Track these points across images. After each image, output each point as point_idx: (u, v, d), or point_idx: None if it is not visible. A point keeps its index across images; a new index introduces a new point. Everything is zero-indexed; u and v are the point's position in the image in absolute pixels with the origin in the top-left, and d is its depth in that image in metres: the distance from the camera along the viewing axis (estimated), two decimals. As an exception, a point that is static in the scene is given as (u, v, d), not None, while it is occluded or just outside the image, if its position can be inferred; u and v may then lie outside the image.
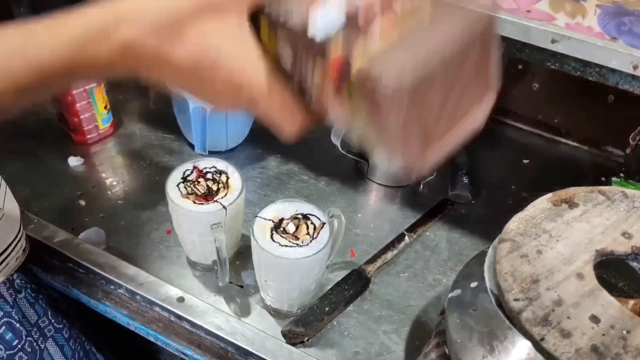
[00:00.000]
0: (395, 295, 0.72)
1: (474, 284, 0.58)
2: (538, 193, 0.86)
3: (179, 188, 0.65)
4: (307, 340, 0.66)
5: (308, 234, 0.62)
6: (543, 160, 0.94)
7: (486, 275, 0.53)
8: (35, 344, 0.66)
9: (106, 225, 0.77)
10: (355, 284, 0.70)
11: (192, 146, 0.87)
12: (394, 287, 0.73)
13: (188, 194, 0.65)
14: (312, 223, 0.63)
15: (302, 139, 0.95)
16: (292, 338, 0.65)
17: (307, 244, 0.61)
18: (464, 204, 0.84)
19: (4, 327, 0.63)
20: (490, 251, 0.55)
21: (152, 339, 0.70)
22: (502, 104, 0.98)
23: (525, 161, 0.93)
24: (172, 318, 0.66)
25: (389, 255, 0.75)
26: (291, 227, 0.63)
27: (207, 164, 0.68)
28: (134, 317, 0.70)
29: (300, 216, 0.64)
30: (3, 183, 0.61)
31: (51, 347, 0.69)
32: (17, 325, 0.64)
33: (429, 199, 0.85)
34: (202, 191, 0.65)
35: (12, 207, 0.62)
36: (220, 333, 0.63)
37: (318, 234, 0.62)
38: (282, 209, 0.64)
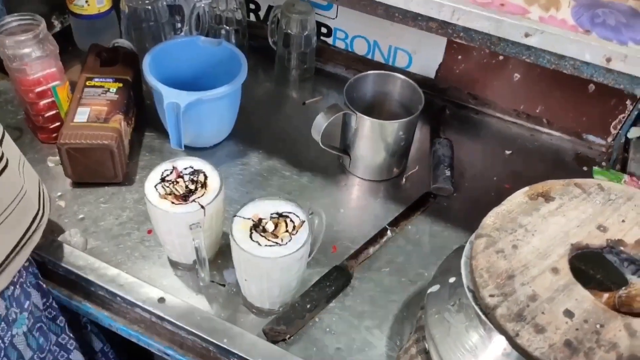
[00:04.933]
0: (378, 291, 0.72)
1: (452, 279, 0.58)
2: (520, 184, 0.86)
3: (156, 189, 0.65)
4: (289, 338, 0.66)
5: (287, 231, 0.62)
6: (525, 150, 0.94)
7: (463, 271, 0.53)
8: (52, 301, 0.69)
9: (86, 226, 0.77)
10: (337, 280, 0.70)
11: (173, 143, 0.86)
12: (375, 283, 0.73)
13: (166, 194, 0.65)
14: (291, 221, 0.63)
15: (284, 134, 0.95)
16: (274, 336, 0.65)
17: (286, 243, 0.61)
18: (446, 197, 0.84)
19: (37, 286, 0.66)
20: (467, 246, 0.55)
21: (134, 340, 0.70)
22: (484, 95, 0.98)
23: (507, 152, 0.93)
24: (154, 319, 0.66)
25: (371, 250, 0.75)
26: (270, 226, 0.62)
27: (185, 163, 0.68)
28: (116, 319, 0.70)
29: (277, 215, 0.64)
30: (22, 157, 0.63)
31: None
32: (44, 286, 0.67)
33: (412, 193, 0.85)
34: (181, 191, 0.65)
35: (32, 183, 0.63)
36: (202, 333, 0.63)
37: (297, 231, 0.62)
38: (261, 207, 0.64)
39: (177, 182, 0.66)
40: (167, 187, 0.65)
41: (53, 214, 0.77)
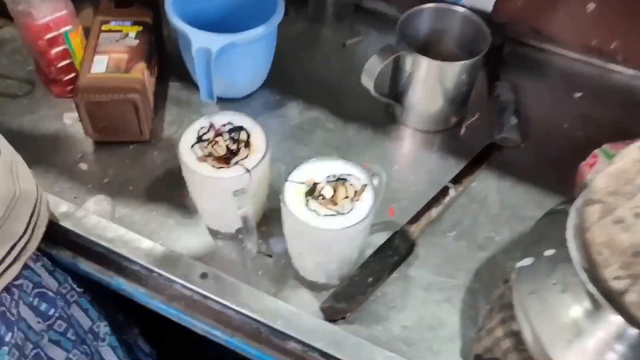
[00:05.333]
0: (444, 258, 0.64)
1: (549, 252, 0.49)
2: (595, 132, 0.76)
3: (193, 150, 0.56)
4: (349, 315, 0.59)
5: (347, 197, 0.53)
6: (597, 92, 0.83)
7: (572, 245, 0.44)
8: (62, 311, 0.60)
9: (112, 192, 0.68)
10: (399, 249, 0.62)
11: (202, 93, 0.77)
12: (441, 249, 0.65)
13: (205, 156, 0.56)
14: (351, 185, 0.54)
15: (324, 81, 0.84)
16: (333, 315, 0.58)
17: (349, 212, 0.52)
18: (512, 148, 0.75)
19: (37, 299, 0.58)
20: (572, 215, 0.46)
21: (174, 319, 0.63)
22: (549, 29, 0.86)
23: (577, 94, 0.82)
24: (196, 297, 0.59)
25: (434, 212, 0.66)
26: (328, 191, 0.53)
27: (223, 119, 0.59)
28: (153, 295, 0.62)
29: (335, 178, 0.55)
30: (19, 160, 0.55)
31: (76, 312, 0.64)
32: (50, 294, 0.59)
33: (472, 144, 0.75)
34: (222, 153, 0.56)
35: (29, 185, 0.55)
36: (253, 314, 0.55)
37: (360, 198, 0.53)
38: (314, 169, 0.55)
39: (216, 142, 0.56)
40: (205, 147, 0.56)
41: (75, 179, 0.69)
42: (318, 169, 0.55)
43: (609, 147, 0.70)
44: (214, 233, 0.65)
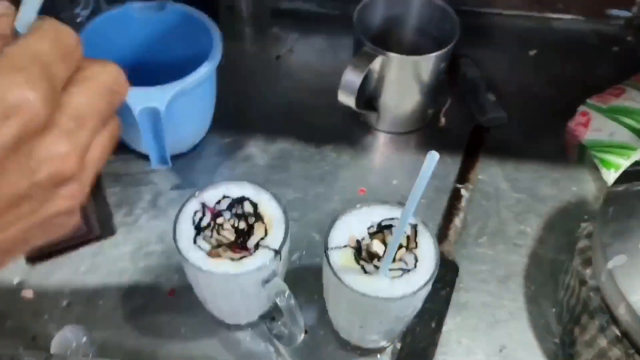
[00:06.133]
0: (487, 270, 0.57)
1: (646, 245, 0.44)
2: (567, 89, 0.73)
3: (198, 245, 0.43)
4: (424, 372, 0.50)
5: (402, 247, 0.44)
6: (547, 45, 0.80)
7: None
8: None
9: (79, 316, 0.53)
10: (445, 277, 0.54)
11: (143, 157, 0.63)
12: (480, 260, 0.58)
13: (214, 248, 0.43)
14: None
15: (274, 104, 0.73)
16: (410, 380, 0.49)
17: (415, 265, 0.43)
18: (499, 127, 0.69)
19: None
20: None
21: None
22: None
23: (531, 53, 0.79)
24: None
25: (457, 222, 0.59)
26: (377, 247, 0.44)
27: (215, 194, 0.46)
28: None
29: (377, 228, 0.45)
30: None
31: None
32: None
33: (458, 133, 0.69)
34: (232, 238, 0.44)
35: None
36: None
37: (415, 244, 0.44)
38: (348, 224, 0.45)
39: (221, 226, 0.44)
40: (211, 238, 0.44)
41: (23, 314, 0.53)
42: (351, 222, 0.45)
43: (596, 101, 0.68)
44: (229, 326, 0.52)
